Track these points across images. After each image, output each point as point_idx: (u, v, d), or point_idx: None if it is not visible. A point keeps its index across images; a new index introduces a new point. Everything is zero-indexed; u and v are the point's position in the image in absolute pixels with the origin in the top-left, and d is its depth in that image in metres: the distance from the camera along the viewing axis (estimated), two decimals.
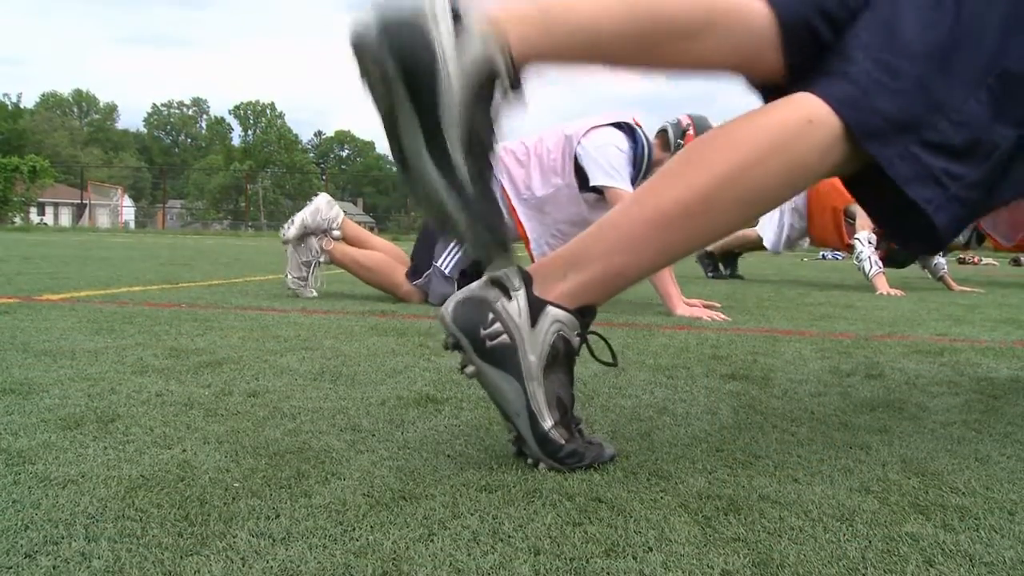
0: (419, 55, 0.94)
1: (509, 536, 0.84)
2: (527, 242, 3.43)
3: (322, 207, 3.53)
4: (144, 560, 0.76)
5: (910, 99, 1.08)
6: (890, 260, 5.50)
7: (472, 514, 0.90)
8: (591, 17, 1.05)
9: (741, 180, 1.07)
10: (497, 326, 1.05)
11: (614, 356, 1.16)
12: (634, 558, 0.80)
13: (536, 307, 1.06)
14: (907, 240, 1.19)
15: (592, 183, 3.24)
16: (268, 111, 71.05)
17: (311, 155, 73.23)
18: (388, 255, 3.58)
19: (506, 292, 1.06)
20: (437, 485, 1.00)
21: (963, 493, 1.01)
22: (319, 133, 79.20)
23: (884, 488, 1.03)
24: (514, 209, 3.38)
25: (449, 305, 1.08)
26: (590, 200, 3.31)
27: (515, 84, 1.02)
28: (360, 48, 0.96)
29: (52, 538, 0.81)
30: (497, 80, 0.99)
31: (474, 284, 1.09)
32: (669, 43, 1.09)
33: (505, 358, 1.05)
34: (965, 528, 0.90)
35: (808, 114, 1.08)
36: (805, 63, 1.13)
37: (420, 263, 3.42)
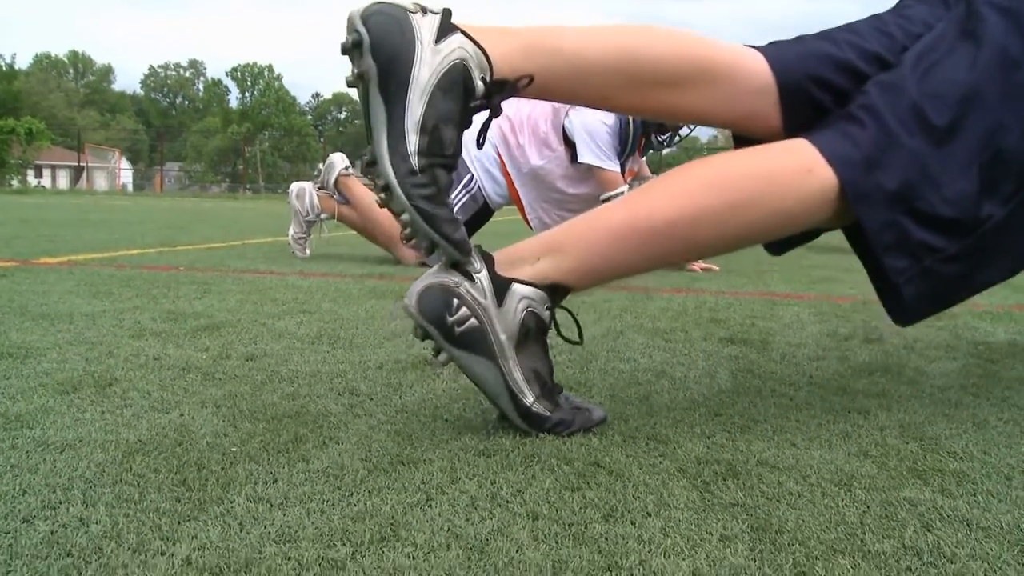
0: (398, 40, 0.96)
1: (507, 501, 0.84)
2: (521, 208, 3.47)
3: (336, 162, 3.59)
4: (142, 525, 0.76)
5: (907, 171, 1.08)
6: None
7: (470, 479, 0.90)
8: (578, 48, 1.06)
9: (730, 217, 1.08)
10: (464, 311, 1.03)
11: (581, 335, 1.14)
12: (633, 523, 0.80)
13: (501, 286, 1.05)
14: (884, 305, 1.18)
15: (579, 160, 3.28)
16: (266, 73, 70.39)
17: (309, 117, 72.63)
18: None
19: (468, 275, 1.04)
20: (435, 450, 1.00)
21: (961, 458, 1.02)
22: (317, 95, 78.45)
23: (882, 453, 1.03)
24: (509, 176, 3.40)
25: (412, 295, 1.05)
26: (581, 170, 3.36)
27: (487, 95, 1.02)
28: (348, 24, 0.98)
29: (50, 503, 0.81)
30: (469, 87, 1.00)
31: (433, 270, 1.06)
32: (658, 88, 1.11)
33: (476, 341, 1.04)
34: (963, 493, 0.90)
35: (808, 164, 1.08)
36: (804, 124, 1.13)
37: None
